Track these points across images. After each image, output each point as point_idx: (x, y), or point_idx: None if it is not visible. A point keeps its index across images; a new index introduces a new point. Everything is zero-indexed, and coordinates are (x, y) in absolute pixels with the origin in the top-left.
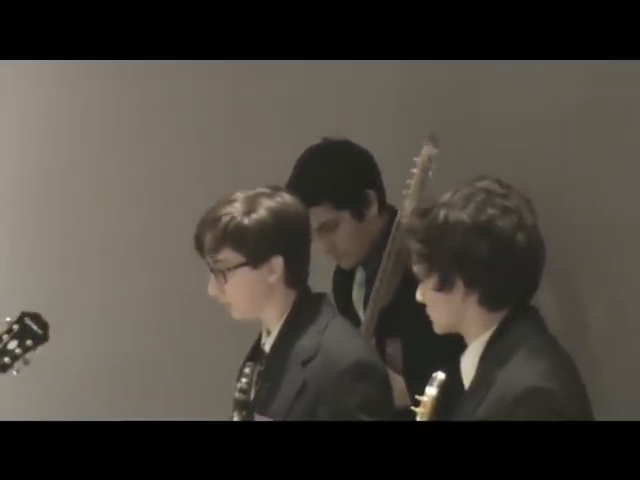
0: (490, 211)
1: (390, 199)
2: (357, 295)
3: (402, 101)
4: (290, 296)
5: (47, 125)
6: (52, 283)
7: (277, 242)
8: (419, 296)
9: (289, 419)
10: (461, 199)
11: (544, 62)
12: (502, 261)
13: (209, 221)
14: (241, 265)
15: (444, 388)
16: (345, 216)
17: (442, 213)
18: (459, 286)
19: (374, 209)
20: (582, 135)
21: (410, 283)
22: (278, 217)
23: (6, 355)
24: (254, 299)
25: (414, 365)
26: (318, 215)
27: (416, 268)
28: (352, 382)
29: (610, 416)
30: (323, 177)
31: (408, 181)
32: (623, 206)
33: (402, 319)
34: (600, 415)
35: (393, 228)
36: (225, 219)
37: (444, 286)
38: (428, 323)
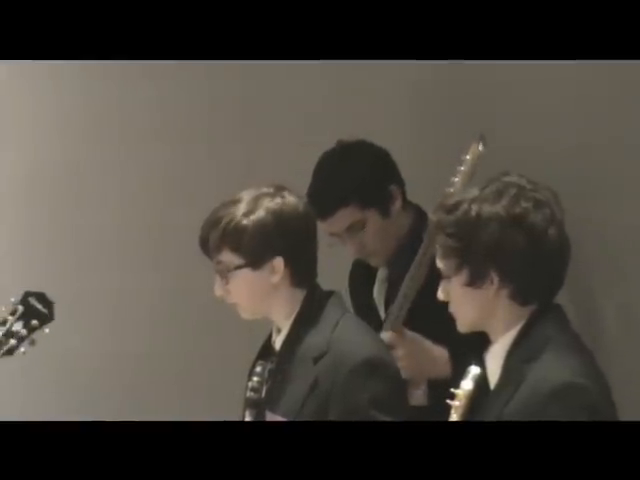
0: (524, 204)
1: (414, 198)
2: (378, 292)
3: (415, 102)
4: (298, 295)
5: (57, 125)
6: (60, 283)
7: (277, 243)
8: (441, 294)
9: (301, 417)
10: (492, 193)
11: (554, 62)
12: (536, 254)
13: (212, 222)
14: (240, 267)
15: (479, 382)
16: (372, 214)
17: (474, 207)
18: (493, 280)
19: (398, 204)
20: (596, 134)
21: (434, 282)
22: (277, 217)
23: (12, 337)
24: (258, 300)
25: None
26: (345, 216)
27: (443, 264)
28: (363, 379)
29: (626, 416)
30: (345, 178)
31: (453, 179)
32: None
33: (424, 318)
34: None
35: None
36: (225, 220)
37: (476, 281)
38: (448, 323)
